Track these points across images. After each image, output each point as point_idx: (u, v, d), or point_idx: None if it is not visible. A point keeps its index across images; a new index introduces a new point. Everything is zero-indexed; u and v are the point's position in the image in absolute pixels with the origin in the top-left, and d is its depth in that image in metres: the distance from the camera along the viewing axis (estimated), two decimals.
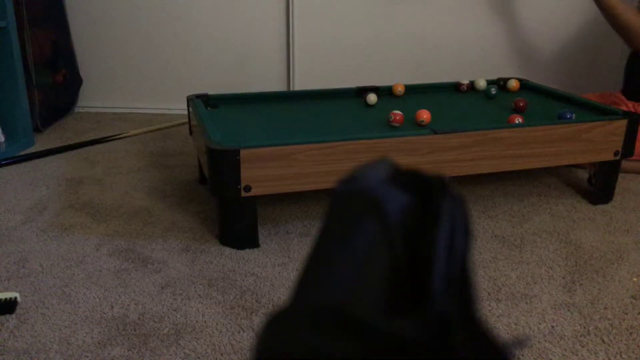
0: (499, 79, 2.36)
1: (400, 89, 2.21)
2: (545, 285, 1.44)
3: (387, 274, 0.36)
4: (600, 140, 1.79)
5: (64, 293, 1.38)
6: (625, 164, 1.96)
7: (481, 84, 2.29)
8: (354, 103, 2.10)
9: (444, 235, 0.35)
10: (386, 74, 2.93)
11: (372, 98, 2.04)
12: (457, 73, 2.86)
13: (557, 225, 1.76)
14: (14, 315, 1.29)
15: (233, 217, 1.60)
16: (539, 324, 1.29)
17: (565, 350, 1.20)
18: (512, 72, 2.84)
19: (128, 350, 1.18)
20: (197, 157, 2.05)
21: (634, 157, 1.97)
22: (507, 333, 1.27)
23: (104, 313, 1.31)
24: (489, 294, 1.40)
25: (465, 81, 2.30)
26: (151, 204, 1.87)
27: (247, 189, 1.50)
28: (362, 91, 2.15)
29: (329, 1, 2.85)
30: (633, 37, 2.14)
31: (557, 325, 1.28)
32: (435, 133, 1.63)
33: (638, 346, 1.22)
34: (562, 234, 1.70)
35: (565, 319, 1.31)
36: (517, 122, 1.78)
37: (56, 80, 2.75)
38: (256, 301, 1.36)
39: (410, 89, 2.25)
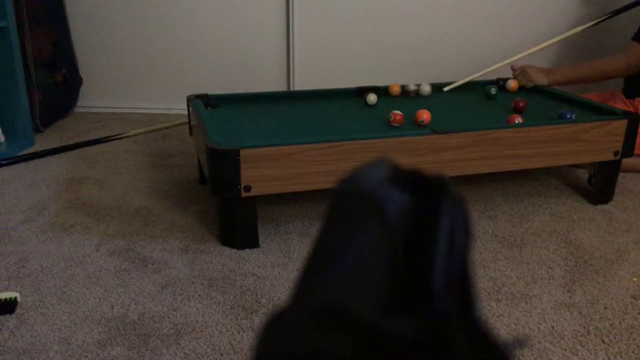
0: (498, 79, 2.36)
1: (396, 89, 2.20)
2: (545, 285, 1.44)
3: (386, 274, 0.36)
4: (600, 140, 1.79)
5: (64, 293, 1.38)
6: (625, 162, 1.96)
7: (427, 89, 2.19)
8: (354, 103, 2.10)
9: (444, 235, 0.35)
10: (386, 74, 2.93)
11: (372, 98, 2.04)
12: (457, 73, 2.86)
13: (557, 225, 1.76)
14: (14, 315, 1.29)
15: (233, 217, 1.60)
16: (539, 324, 1.29)
17: (565, 350, 1.20)
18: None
19: (128, 350, 1.18)
20: (197, 157, 2.05)
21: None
22: (507, 333, 1.27)
23: (104, 313, 1.31)
24: (489, 294, 1.40)
25: (413, 87, 2.21)
26: (151, 204, 1.87)
27: (247, 189, 1.50)
28: (362, 91, 2.15)
29: (329, 1, 2.85)
30: (616, 74, 2.27)
31: (557, 325, 1.28)
32: (435, 133, 1.63)
33: (638, 346, 1.22)
34: (562, 234, 1.70)
35: (565, 319, 1.31)
36: (517, 122, 1.78)
37: (56, 80, 2.75)
38: (256, 301, 1.36)
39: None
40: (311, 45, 2.91)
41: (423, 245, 0.35)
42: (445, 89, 2.28)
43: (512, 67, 2.35)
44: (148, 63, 2.97)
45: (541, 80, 2.27)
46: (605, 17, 2.42)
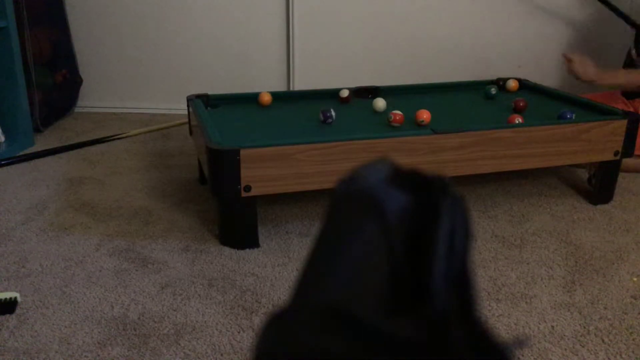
0: (498, 79, 2.36)
1: (267, 99, 2.01)
2: (545, 285, 1.44)
3: (386, 274, 0.36)
4: (600, 140, 1.79)
5: (64, 293, 1.38)
6: (625, 162, 1.96)
7: (379, 104, 1.97)
8: (354, 103, 2.09)
9: (444, 235, 0.35)
10: (386, 74, 2.93)
11: (330, 114, 1.82)
12: (457, 73, 2.86)
13: (557, 225, 1.76)
14: (14, 315, 1.29)
15: (233, 217, 1.60)
16: (539, 324, 1.29)
17: (565, 350, 1.20)
18: (512, 72, 2.83)
19: (128, 350, 1.18)
20: (197, 157, 2.05)
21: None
22: (507, 333, 1.27)
23: (104, 313, 1.31)
24: (489, 294, 1.40)
25: (346, 93, 2.09)
26: (151, 204, 1.87)
27: (247, 189, 1.50)
28: (363, 91, 2.15)
29: (329, 2, 2.85)
30: None
31: (557, 325, 1.28)
32: (435, 133, 1.63)
33: (638, 346, 1.22)
34: (562, 234, 1.70)
35: (565, 319, 1.31)
36: (517, 122, 1.78)
37: (56, 80, 2.75)
38: (256, 301, 1.36)
39: (410, 89, 2.25)
40: (311, 46, 2.91)
41: (423, 246, 0.35)
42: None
43: (565, 55, 2.12)
44: (148, 63, 2.96)
45: (590, 75, 2.06)
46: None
